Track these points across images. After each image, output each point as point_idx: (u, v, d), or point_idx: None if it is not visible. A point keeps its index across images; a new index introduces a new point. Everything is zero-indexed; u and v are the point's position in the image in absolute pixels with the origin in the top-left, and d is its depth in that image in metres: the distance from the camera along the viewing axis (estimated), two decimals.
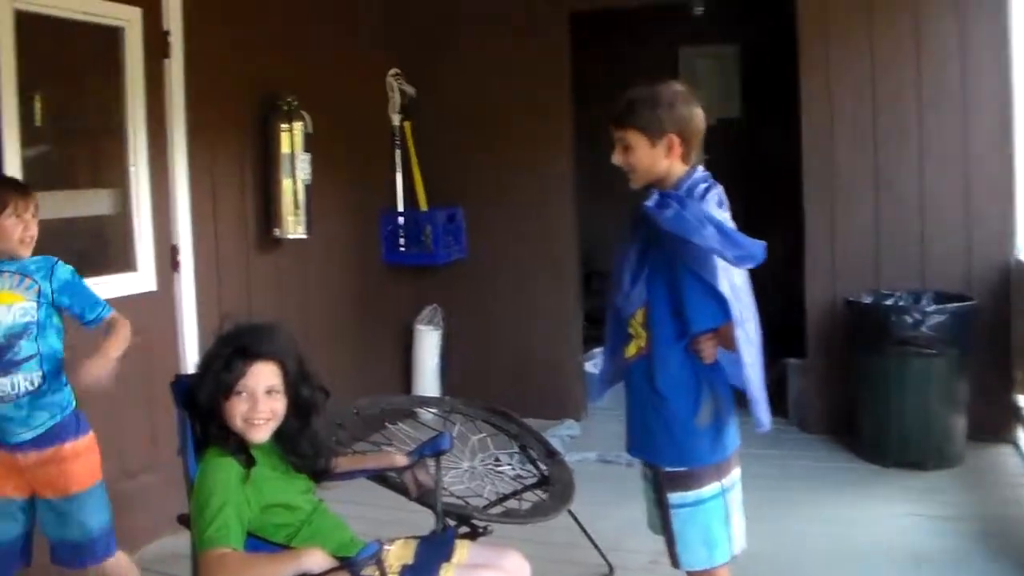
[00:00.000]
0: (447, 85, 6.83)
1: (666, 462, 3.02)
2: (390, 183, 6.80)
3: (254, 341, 2.85)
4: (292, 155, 5.53)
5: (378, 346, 6.67)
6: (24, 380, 3.36)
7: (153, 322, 4.92)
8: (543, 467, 4.32)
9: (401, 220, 6.77)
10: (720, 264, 2.85)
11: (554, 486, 4.16)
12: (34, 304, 3.41)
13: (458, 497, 4.18)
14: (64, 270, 3.54)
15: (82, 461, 3.50)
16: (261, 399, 2.81)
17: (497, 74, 6.71)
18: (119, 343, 3.52)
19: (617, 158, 3.02)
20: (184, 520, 3.09)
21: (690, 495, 3.01)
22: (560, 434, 6.18)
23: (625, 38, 8.26)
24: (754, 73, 8.45)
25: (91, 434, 3.57)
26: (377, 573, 2.62)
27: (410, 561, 2.92)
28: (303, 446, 2.92)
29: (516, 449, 4.67)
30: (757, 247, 2.83)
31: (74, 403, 3.52)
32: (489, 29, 6.75)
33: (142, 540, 4.84)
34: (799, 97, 6.03)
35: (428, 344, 6.80)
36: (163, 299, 5.00)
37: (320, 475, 3.02)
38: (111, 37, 4.79)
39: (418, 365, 6.81)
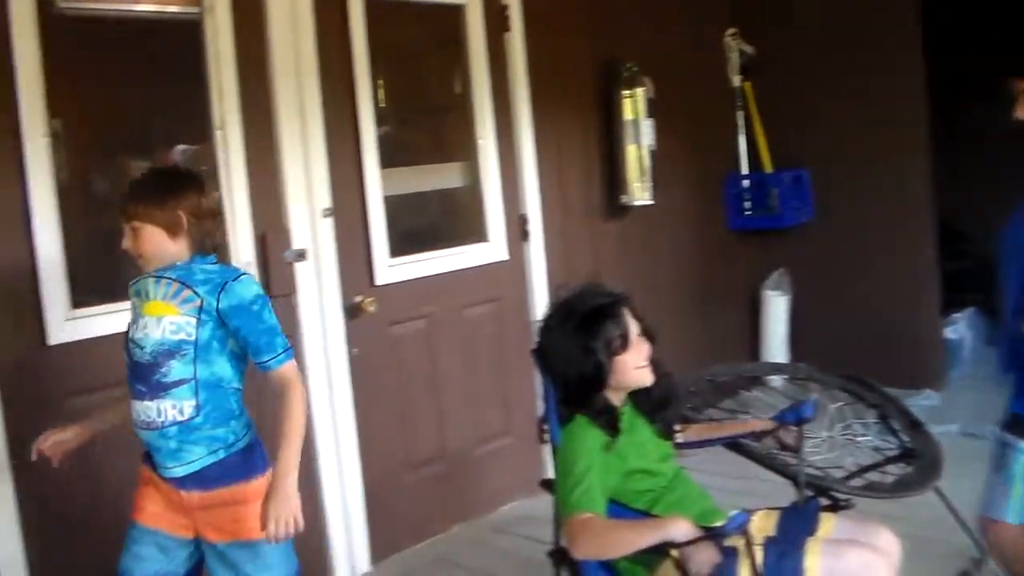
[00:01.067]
0: (787, 42, 6.58)
1: None
2: (732, 146, 6.66)
3: (604, 297, 2.89)
4: (635, 121, 5.52)
5: (724, 312, 6.57)
6: (172, 408, 2.79)
7: (505, 290, 5.08)
8: (906, 439, 4.11)
9: (746, 183, 6.62)
10: None
11: (919, 460, 3.95)
12: (192, 320, 2.78)
13: (817, 468, 4.05)
14: (243, 288, 2.83)
15: (256, 506, 2.82)
16: (637, 341, 2.84)
17: (838, 28, 6.40)
18: (294, 443, 2.82)
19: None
20: (547, 484, 3.15)
21: None
22: (918, 404, 5.87)
23: None
24: None
25: (268, 475, 2.87)
26: (742, 543, 2.56)
27: (772, 533, 2.85)
28: (657, 390, 2.92)
29: (876, 419, 4.47)
30: None
31: (246, 440, 2.91)
32: None
33: (496, 503, 5.02)
34: None
35: (775, 310, 6.63)
36: (513, 268, 5.14)
37: (671, 425, 3.00)
38: (453, 16, 4.94)
39: (765, 331, 6.67)
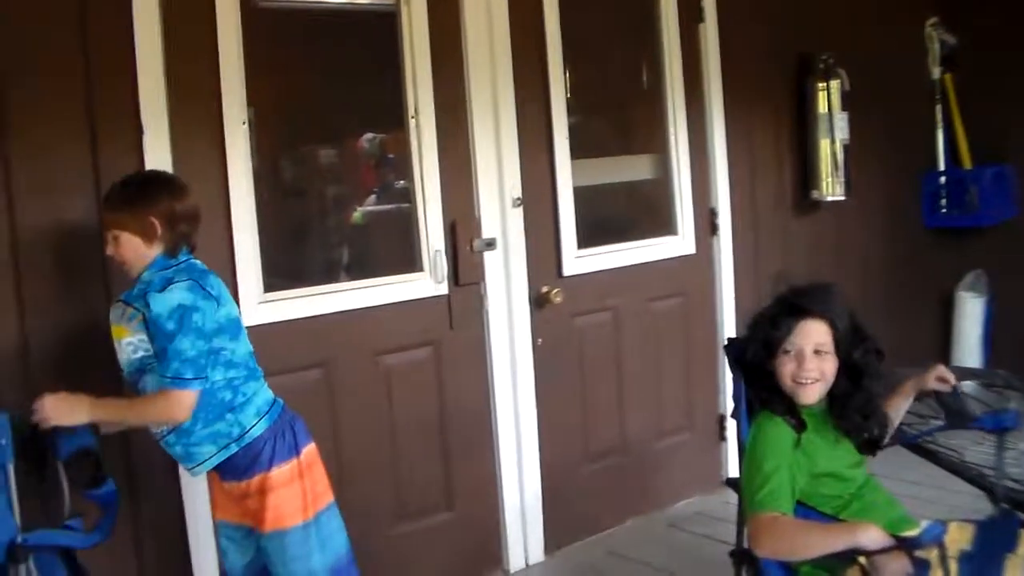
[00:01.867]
0: (991, 33, 6.30)
1: None
2: (930, 141, 6.42)
3: (803, 299, 2.82)
4: (829, 114, 5.40)
5: (916, 313, 6.36)
6: None
7: (691, 285, 5.06)
8: None
9: (943, 180, 6.39)
10: None
11: None
12: (143, 334, 2.78)
13: (1016, 480, 3.89)
14: (156, 301, 2.76)
15: (277, 496, 2.91)
16: (809, 357, 2.77)
17: None
18: (123, 411, 2.93)
19: None
20: (731, 483, 3.11)
21: None
22: None
23: None
24: None
25: (293, 463, 2.95)
26: (935, 555, 2.48)
27: (967, 547, 2.75)
28: (852, 410, 2.84)
29: None
30: None
31: (259, 429, 2.91)
32: None
33: (672, 498, 5.02)
34: None
35: (971, 312, 6.39)
36: (701, 262, 5.10)
37: (872, 444, 2.92)
38: (646, 5, 4.92)
39: (959, 335, 6.42)
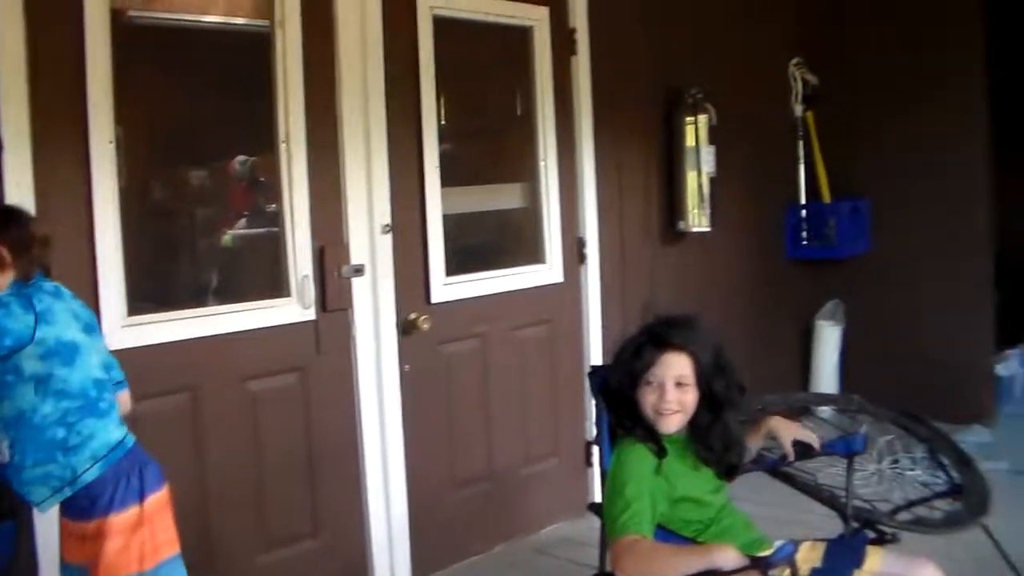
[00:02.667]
0: (851, 74, 6.58)
1: None
2: (792, 175, 6.65)
3: (668, 331, 2.88)
4: (697, 148, 5.53)
5: (777, 341, 6.56)
6: None
7: (559, 313, 5.12)
8: (955, 475, 4.09)
9: (804, 213, 6.61)
10: None
11: (968, 496, 3.93)
12: None
13: (865, 500, 4.04)
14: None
15: (113, 543, 2.72)
16: (669, 389, 2.83)
17: (901, 61, 6.39)
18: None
19: None
20: (594, 508, 3.16)
21: None
22: (967, 440, 5.81)
23: None
24: None
25: (134, 511, 2.77)
26: (787, 574, 2.57)
27: (818, 564, 2.85)
28: (713, 440, 2.91)
29: (925, 454, 4.45)
30: None
31: (92, 476, 2.73)
32: (895, 14, 6.43)
33: (539, 524, 5.05)
34: None
35: (829, 340, 6.61)
36: (569, 291, 5.16)
37: (730, 472, 2.99)
38: (520, 37, 4.98)
39: (817, 362, 6.64)
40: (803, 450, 3.20)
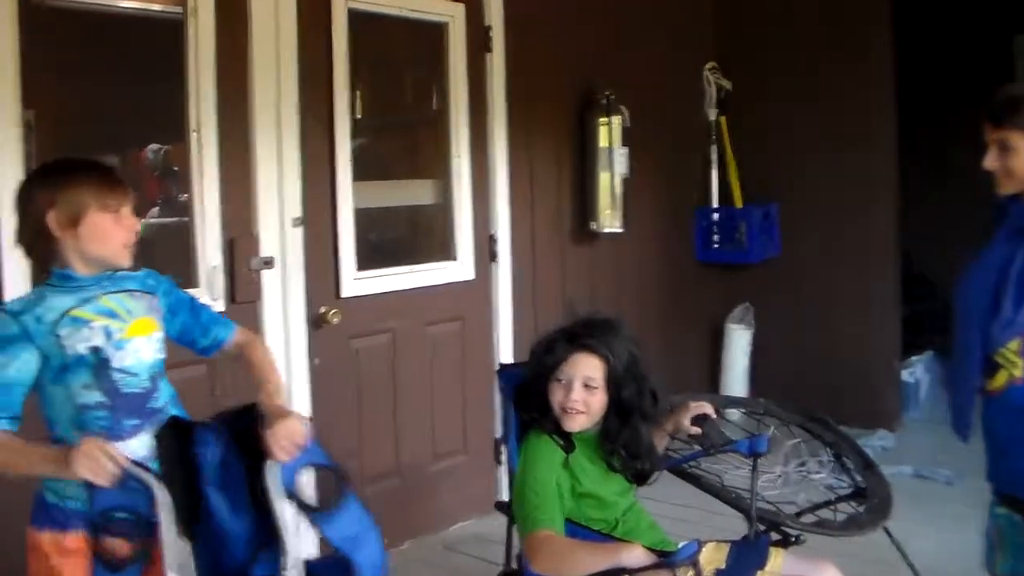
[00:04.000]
0: (763, 80, 6.67)
1: None
2: (704, 179, 6.72)
3: (583, 331, 2.88)
4: (609, 149, 5.55)
5: (687, 343, 6.61)
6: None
7: (469, 310, 5.10)
8: (859, 478, 4.14)
9: (715, 216, 6.68)
10: None
11: (871, 499, 3.98)
12: (163, 331, 2.62)
13: (770, 503, 4.07)
14: (168, 280, 2.72)
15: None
16: (576, 389, 2.84)
17: (813, 68, 6.49)
18: (278, 381, 2.70)
19: (991, 162, 2.68)
20: (501, 507, 3.16)
21: None
22: (872, 444, 5.92)
23: (951, 24, 7.69)
24: None
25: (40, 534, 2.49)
26: (691, 574, 2.58)
27: (722, 565, 2.86)
28: (619, 446, 2.91)
29: (831, 457, 4.50)
30: None
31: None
32: (807, 23, 6.53)
33: (448, 521, 5.03)
34: None
35: (738, 343, 6.67)
36: (480, 288, 5.16)
37: (639, 479, 3.00)
38: (435, 33, 4.97)
39: (727, 364, 6.70)
40: (702, 420, 3.19)
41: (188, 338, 2.73)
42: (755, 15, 6.70)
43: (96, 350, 2.43)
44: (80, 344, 2.41)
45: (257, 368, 2.71)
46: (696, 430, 3.18)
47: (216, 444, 2.39)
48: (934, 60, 7.35)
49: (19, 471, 2.37)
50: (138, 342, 2.52)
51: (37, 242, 2.49)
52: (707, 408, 3.19)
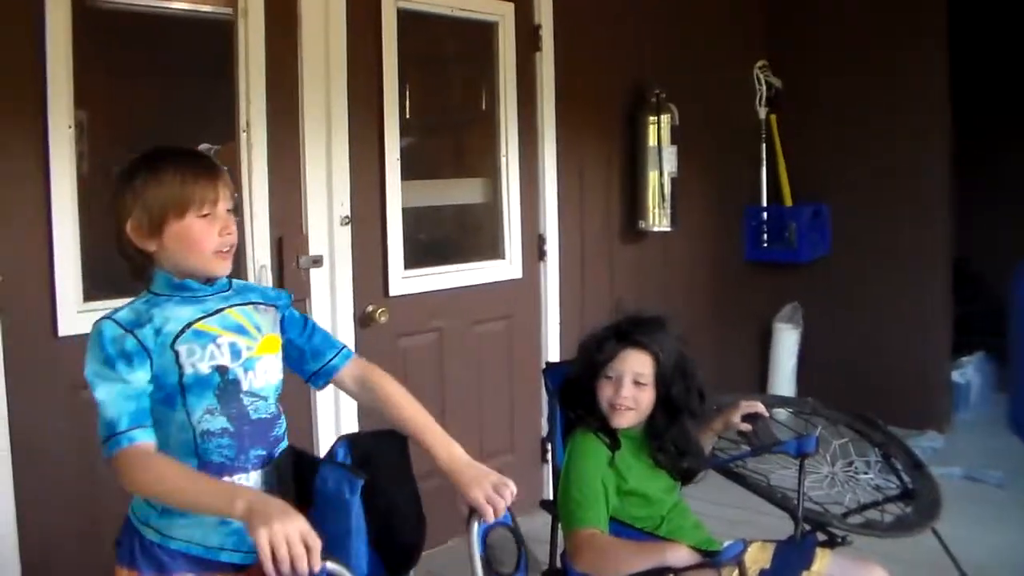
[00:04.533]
0: (814, 78, 6.62)
1: None
2: (754, 178, 6.68)
3: (633, 328, 2.90)
4: (659, 148, 5.53)
5: (735, 343, 6.59)
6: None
7: (517, 309, 5.11)
8: (907, 479, 4.11)
9: (765, 216, 6.65)
10: None
11: (919, 500, 3.95)
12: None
13: (816, 503, 4.05)
14: (287, 294, 2.45)
15: None
16: (626, 385, 2.86)
17: (865, 65, 6.44)
18: (435, 427, 2.48)
19: None
20: (545, 505, 3.17)
21: None
22: (921, 445, 5.87)
23: (1006, 25, 7.52)
24: None
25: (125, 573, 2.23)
26: (736, 573, 2.58)
27: (767, 565, 2.86)
28: (667, 444, 2.93)
29: (879, 458, 4.47)
30: None
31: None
32: (858, 22, 6.48)
33: None
34: None
35: (787, 343, 6.64)
36: (528, 287, 5.16)
37: (685, 475, 3.01)
38: (484, 32, 4.98)
39: (775, 364, 6.67)
40: (754, 419, 3.20)
41: (296, 362, 2.43)
42: (806, 13, 6.65)
43: (222, 370, 2.18)
44: (202, 363, 2.15)
45: (407, 413, 2.52)
46: (747, 427, 3.19)
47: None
48: (988, 61, 7.26)
49: (183, 499, 2.07)
50: (267, 361, 2.27)
51: (127, 255, 2.23)
52: (759, 407, 3.19)
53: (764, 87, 6.65)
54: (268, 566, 1.85)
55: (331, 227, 4.27)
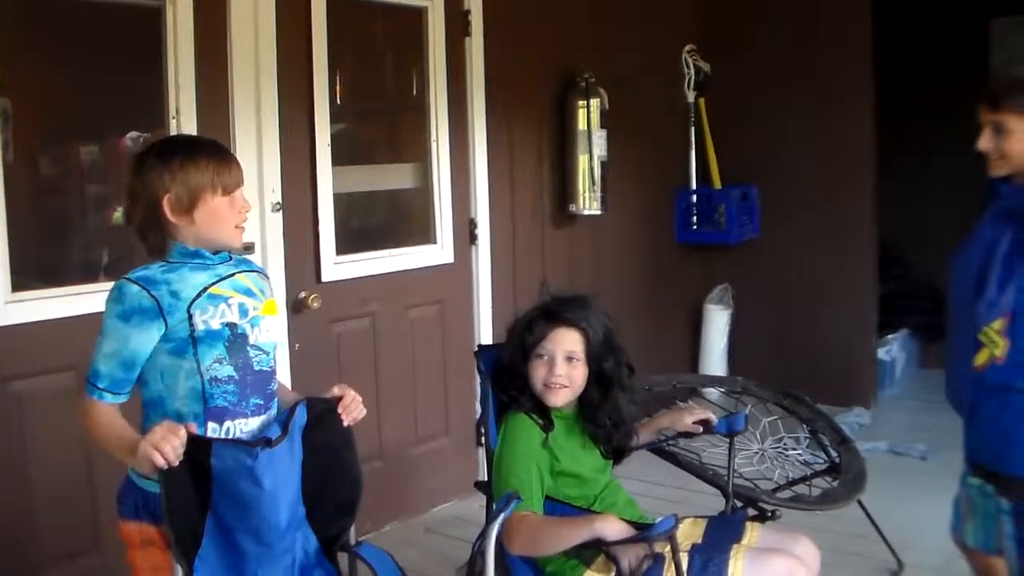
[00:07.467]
0: (742, 62, 6.69)
1: None
2: (683, 161, 6.75)
3: (560, 307, 2.93)
4: (588, 131, 5.56)
5: (667, 324, 6.66)
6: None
7: (449, 294, 5.13)
8: (834, 454, 4.21)
9: (694, 198, 6.72)
10: None
11: (845, 474, 4.05)
12: None
13: (747, 479, 4.14)
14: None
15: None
16: (559, 363, 2.89)
17: (792, 50, 6.53)
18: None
19: (985, 143, 2.72)
20: (480, 486, 3.20)
21: None
22: (848, 421, 5.98)
23: (927, 7, 7.60)
24: None
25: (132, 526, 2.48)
26: (668, 548, 2.63)
27: (699, 540, 2.92)
28: (601, 418, 2.97)
29: (807, 434, 4.57)
30: None
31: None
32: (786, 5, 6.57)
33: (430, 503, 5.06)
34: None
35: (717, 324, 6.73)
36: (460, 271, 5.18)
37: (617, 452, 3.05)
38: (414, 17, 4.97)
39: (706, 345, 6.76)
40: (706, 424, 3.27)
41: None
42: None
43: (232, 325, 2.47)
44: (214, 320, 2.43)
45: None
46: (697, 428, 3.26)
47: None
48: (911, 44, 7.38)
49: (103, 447, 2.41)
50: (269, 321, 2.58)
51: (150, 226, 2.47)
52: (712, 416, 3.27)
53: (692, 71, 6.71)
54: (157, 461, 2.18)
55: (262, 214, 4.25)
